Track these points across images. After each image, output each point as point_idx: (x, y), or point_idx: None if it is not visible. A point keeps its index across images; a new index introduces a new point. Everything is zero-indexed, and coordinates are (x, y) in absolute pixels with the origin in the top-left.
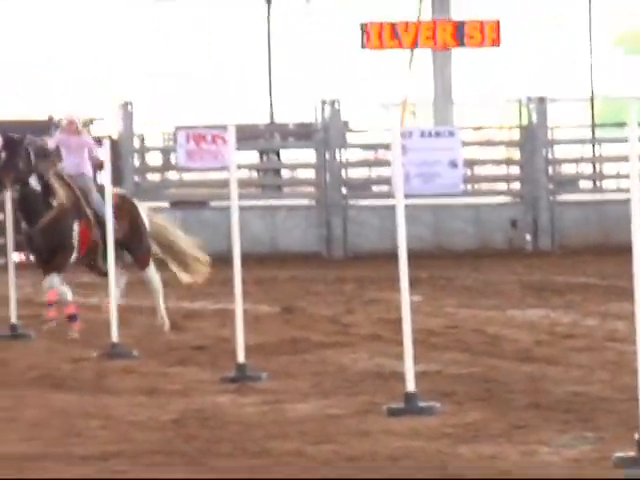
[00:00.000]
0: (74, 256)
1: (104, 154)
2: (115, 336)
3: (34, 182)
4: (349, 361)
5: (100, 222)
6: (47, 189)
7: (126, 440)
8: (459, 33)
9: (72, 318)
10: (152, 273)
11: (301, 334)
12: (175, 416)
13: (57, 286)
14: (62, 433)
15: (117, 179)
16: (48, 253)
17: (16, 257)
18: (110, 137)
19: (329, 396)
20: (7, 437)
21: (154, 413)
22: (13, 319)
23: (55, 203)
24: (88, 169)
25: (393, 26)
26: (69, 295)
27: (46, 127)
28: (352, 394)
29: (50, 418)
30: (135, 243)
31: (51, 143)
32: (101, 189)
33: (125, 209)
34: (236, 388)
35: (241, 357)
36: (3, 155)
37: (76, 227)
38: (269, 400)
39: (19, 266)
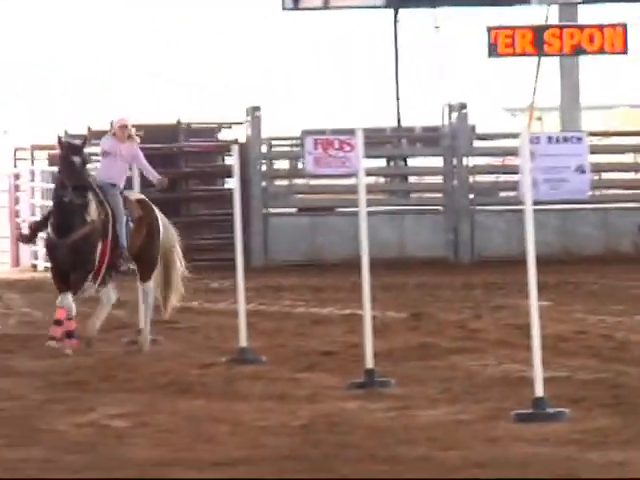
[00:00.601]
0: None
1: (233, 160)
2: (244, 341)
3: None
4: (477, 367)
5: (118, 244)
6: (86, 202)
7: (255, 446)
8: (586, 39)
9: (71, 335)
10: (151, 287)
11: (429, 340)
12: (304, 422)
13: (70, 305)
14: (191, 439)
15: (245, 185)
16: (70, 268)
17: None
18: (238, 142)
19: (457, 402)
20: (137, 442)
21: (283, 419)
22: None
23: (89, 219)
24: (123, 180)
25: (520, 32)
26: (74, 311)
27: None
28: (480, 400)
29: (179, 424)
30: (146, 254)
31: (103, 148)
32: (125, 199)
33: (145, 222)
34: (364, 394)
35: (370, 363)
36: (77, 160)
37: (99, 247)
38: (397, 406)
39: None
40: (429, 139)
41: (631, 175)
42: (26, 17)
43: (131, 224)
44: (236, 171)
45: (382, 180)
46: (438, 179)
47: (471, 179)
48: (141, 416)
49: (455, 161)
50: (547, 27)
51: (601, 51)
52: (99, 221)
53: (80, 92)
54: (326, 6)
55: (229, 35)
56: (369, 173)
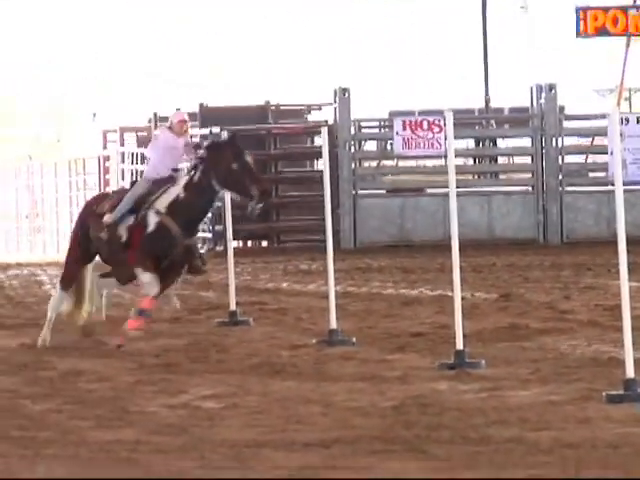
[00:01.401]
0: None
1: (322, 142)
2: (334, 323)
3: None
4: (567, 348)
5: None
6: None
7: (346, 427)
8: None
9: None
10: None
11: (519, 321)
12: (394, 403)
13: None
14: (283, 420)
15: (334, 167)
16: (179, 266)
17: (235, 244)
18: (327, 124)
19: (548, 383)
20: (229, 424)
21: (374, 399)
22: (232, 306)
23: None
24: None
25: (609, 12)
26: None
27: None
28: (571, 381)
29: (270, 405)
30: None
31: (166, 142)
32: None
33: None
34: (455, 375)
35: (460, 344)
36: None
37: None
38: (488, 387)
39: (237, 253)
40: (518, 120)
41: None
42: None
43: None
44: (325, 153)
45: (471, 161)
46: (527, 160)
47: (560, 160)
48: (232, 397)
49: (544, 142)
50: (636, 7)
51: None
52: None
53: (168, 74)
54: None
55: (315, 18)
56: (458, 154)
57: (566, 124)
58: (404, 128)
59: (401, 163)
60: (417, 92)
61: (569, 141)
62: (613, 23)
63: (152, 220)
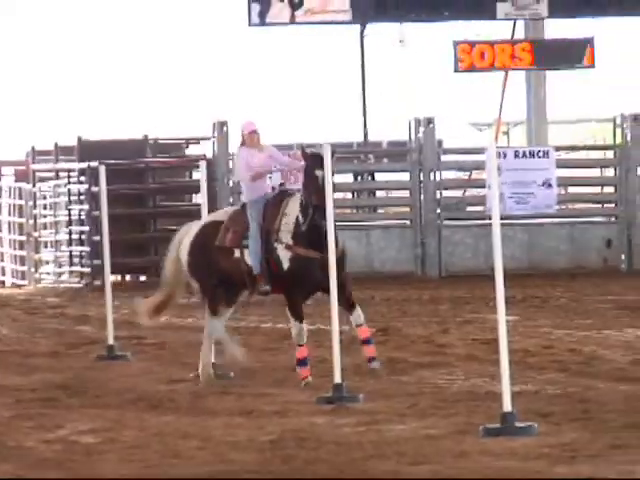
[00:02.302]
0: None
1: (201, 175)
2: (212, 357)
3: None
4: (445, 382)
5: None
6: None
7: (224, 461)
8: (553, 53)
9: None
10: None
11: (397, 355)
12: (273, 437)
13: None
14: (160, 454)
15: (212, 200)
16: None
17: (113, 278)
18: (206, 158)
19: (425, 417)
20: (106, 458)
21: (252, 434)
22: (110, 340)
23: None
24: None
25: (486, 46)
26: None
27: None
28: (448, 415)
29: (148, 439)
30: None
31: (249, 163)
32: None
33: None
34: (333, 409)
35: (338, 378)
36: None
37: None
38: (366, 421)
39: (116, 287)
40: (396, 154)
41: (598, 189)
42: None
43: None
44: (203, 187)
45: (349, 195)
46: (405, 194)
47: (438, 194)
48: (110, 432)
49: (422, 176)
50: (513, 41)
51: (567, 65)
52: None
53: (45, 108)
54: (292, 22)
55: (194, 51)
56: (337, 188)
57: (444, 158)
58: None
59: None
60: (296, 126)
61: (447, 175)
62: (491, 57)
63: (284, 255)
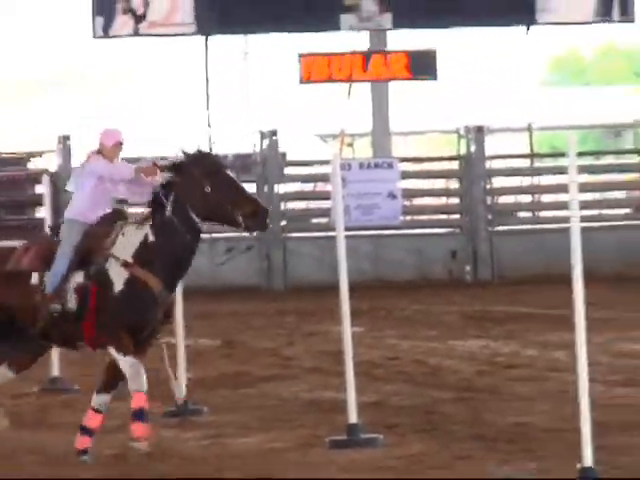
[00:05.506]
0: None
1: (44, 189)
2: (56, 370)
3: None
4: (290, 394)
5: None
6: None
7: (68, 476)
8: (396, 64)
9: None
10: None
11: (242, 368)
12: (116, 451)
13: None
14: (1, 469)
15: (56, 214)
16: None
17: None
18: (48, 172)
19: (271, 430)
20: None
21: (96, 448)
22: None
23: None
24: None
25: (330, 58)
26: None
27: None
28: (294, 427)
29: None
30: None
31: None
32: None
33: None
34: (178, 422)
35: (183, 392)
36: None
37: None
38: (210, 434)
39: None
40: (241, 166)
41: (443, 201)
42: None
43: None
44: (47, 200)
45: None
46: None
47: (282, 206)
48: None
49: (267, 188)
50: (357, 53)
51: (411, 77)
52: None
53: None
54: (136, 34)
55: (40, 63)
56: None
57: (288, 170)
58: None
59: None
60: (143, 139)
61: (292, 187)
62: (335, 69)
63: (118, 274)
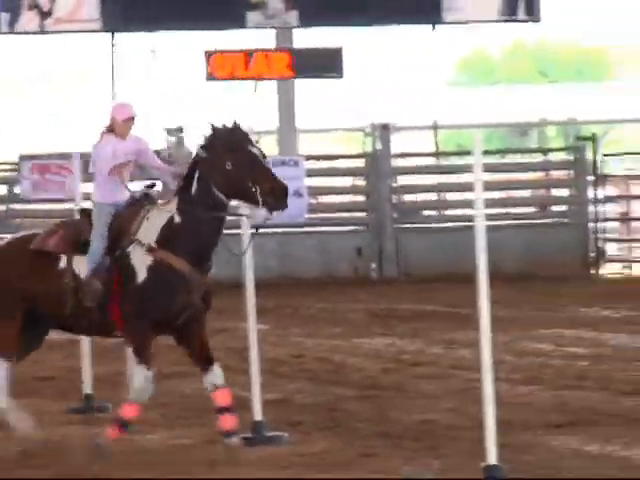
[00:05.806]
0: None
1: None
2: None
3: None
4: (195, 391)
5: None
6: None
7: None
8: (302, 62)
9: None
10: None
11: None
12: (23, 448)
13: None
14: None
15: None
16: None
17: None
18: None
19: (176, 426)
20: None
21: (1, 445)
22: None
23: None
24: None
25: (236, 56)
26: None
27: None
28: (199, 424)
29: None
30: None
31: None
32: None
33: None
34: (83, 419)
35: (88, 388)
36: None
37: None
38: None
39: None
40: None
41: (348, 198)
42: None
43: None
44: None
45: None
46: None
47: None
48: None
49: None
50: (262, 50)
51: (316, 74)
52: None
53: None
54: (42, 30)
55: None
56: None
57: None
58: (32, 172)
59: (31, 206)
60: (52, 136)
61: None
62: (241, 66)
63: (141, 261)
